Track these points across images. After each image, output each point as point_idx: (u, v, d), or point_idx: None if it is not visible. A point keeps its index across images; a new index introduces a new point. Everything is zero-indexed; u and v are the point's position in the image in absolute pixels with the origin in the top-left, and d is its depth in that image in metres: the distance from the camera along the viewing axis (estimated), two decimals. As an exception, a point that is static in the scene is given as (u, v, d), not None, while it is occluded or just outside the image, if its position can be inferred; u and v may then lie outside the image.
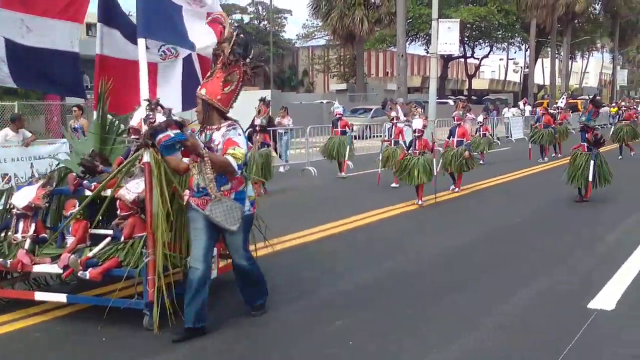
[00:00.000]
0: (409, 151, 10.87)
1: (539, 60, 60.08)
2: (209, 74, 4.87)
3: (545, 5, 43.40)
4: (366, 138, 22.54)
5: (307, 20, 68.10)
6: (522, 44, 59.77)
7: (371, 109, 31.07)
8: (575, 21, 51.51)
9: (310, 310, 5.52)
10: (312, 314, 5.45)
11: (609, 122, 28.77)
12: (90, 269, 4.89)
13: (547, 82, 54.81)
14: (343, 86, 53.02)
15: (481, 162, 17.17)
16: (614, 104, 33.65)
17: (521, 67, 66.08)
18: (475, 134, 17.86)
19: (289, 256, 7.38)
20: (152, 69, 5.74)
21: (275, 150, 14.71)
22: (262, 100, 12.83)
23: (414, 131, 10.89)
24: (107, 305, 4.92)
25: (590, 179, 10.54)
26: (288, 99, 34.83)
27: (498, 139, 27.30)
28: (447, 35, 28.22)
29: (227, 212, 4.61)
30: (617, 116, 20.90)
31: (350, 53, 47.91)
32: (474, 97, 57.89)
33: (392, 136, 13.88)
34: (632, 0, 56.83)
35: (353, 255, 7.62)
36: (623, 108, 20.99)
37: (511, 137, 27.48)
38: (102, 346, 4.72)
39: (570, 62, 60.79)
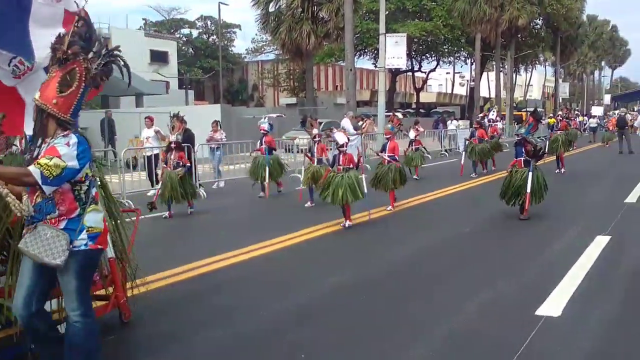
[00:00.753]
0: (333, 167, 10.29)
1: (485, 74, 61.37)
2: (47, 74, 4.00)
3: (489, 20, 44.49)
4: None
5: (256, 34, 68.06)
6: (468, 58, 61.19)
7: (321, 123, 31.12)
8: (519, 36, 52.83)
9: (263, 324, 5.47)
10: (266, 327, 5.40)
11: (548, 134, 29.60)
12: None
13: (493, 95, 56.06)
14: (293, 100, 53.16)
15: (415, 177, 17.01)
16: (551, 115, 34.46)
17: (467, 81, 67.43)
18: (408, 148, 17.62)
19: (220, 275, 7.26)
20: (14, 94, 4.86)
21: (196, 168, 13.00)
22: (175, 115, 11.92)
23: (340, 146, 10.22)
24: None
25: (529, 190, 10.19)
26: (239, 113, 34.68)
27: (446, 150, 27.88)
28: (394, 50, 28.68)
29: (47, 242, 3.73)
30: (554, 126, 21.12)
31: (300, 67, 48.11)
32: (422, 110, 58.89)
33: (314, 154, 12.89)
34: (571, 16, 58.72)
35: (299, 270, 7.49)
36: (559, 118, 21.27)
37: (458, 149, 28.01)
38: None
39: (514, 76, 62.32)
